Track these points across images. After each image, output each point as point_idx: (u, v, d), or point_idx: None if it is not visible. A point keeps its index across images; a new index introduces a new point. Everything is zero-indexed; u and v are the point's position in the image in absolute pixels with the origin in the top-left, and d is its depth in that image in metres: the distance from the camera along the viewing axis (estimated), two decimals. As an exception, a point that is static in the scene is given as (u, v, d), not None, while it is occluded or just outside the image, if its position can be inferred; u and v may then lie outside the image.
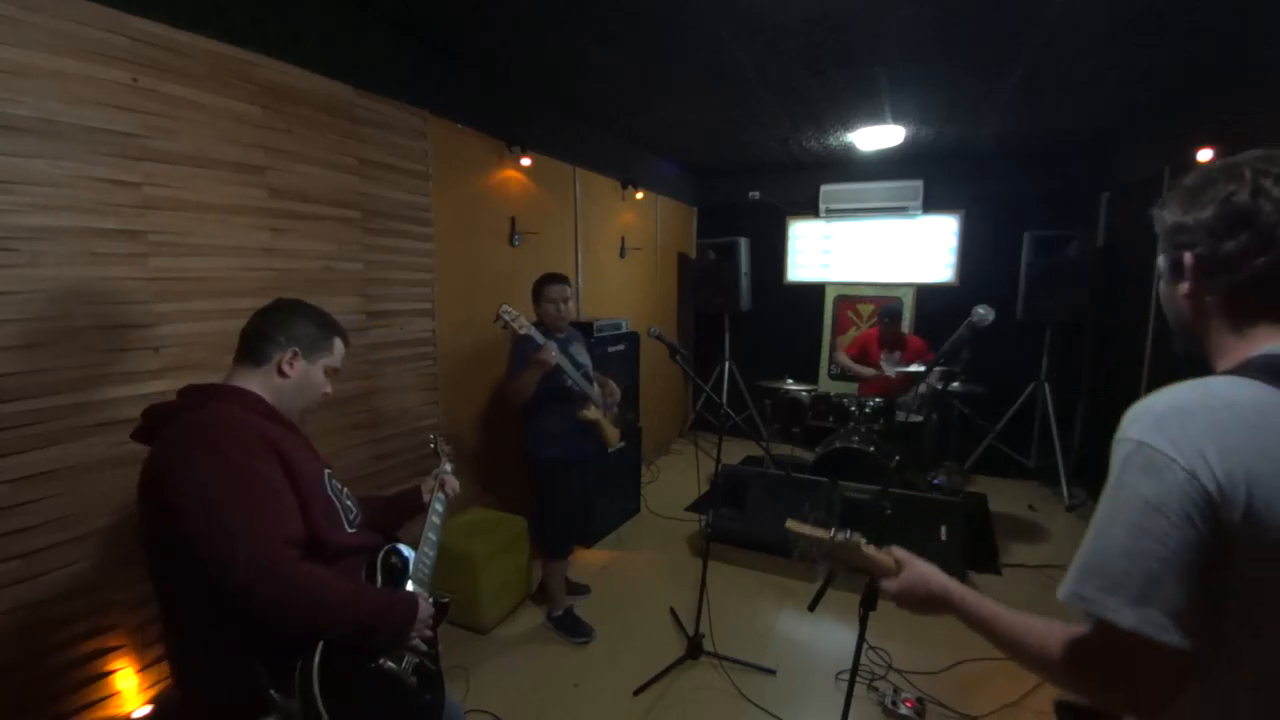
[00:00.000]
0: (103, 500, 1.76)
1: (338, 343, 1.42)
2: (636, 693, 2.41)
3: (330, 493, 1.31)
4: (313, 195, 2.35)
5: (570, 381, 2.66)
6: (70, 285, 1.68)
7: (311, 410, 1.41)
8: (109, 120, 1.74)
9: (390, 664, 1.24)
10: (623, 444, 2.95)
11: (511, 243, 3.53)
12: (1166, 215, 0.82)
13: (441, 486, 1.66)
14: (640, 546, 3.79)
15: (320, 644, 1.11)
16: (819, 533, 1.10)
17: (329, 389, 1.42)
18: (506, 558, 2.91)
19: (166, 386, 1.90)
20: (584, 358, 2.88)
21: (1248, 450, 0.65)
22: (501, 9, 2.46)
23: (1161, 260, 0.85)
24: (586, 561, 3.50)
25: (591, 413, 2.72)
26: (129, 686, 1.82)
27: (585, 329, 3.60)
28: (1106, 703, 0.73)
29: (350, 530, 1.32)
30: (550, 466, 2.75)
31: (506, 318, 2.43)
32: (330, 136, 2.41)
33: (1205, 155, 3.23)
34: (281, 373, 1.30)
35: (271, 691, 1.08)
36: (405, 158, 2.77)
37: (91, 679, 1.74)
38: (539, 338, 2.51)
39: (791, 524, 1.15)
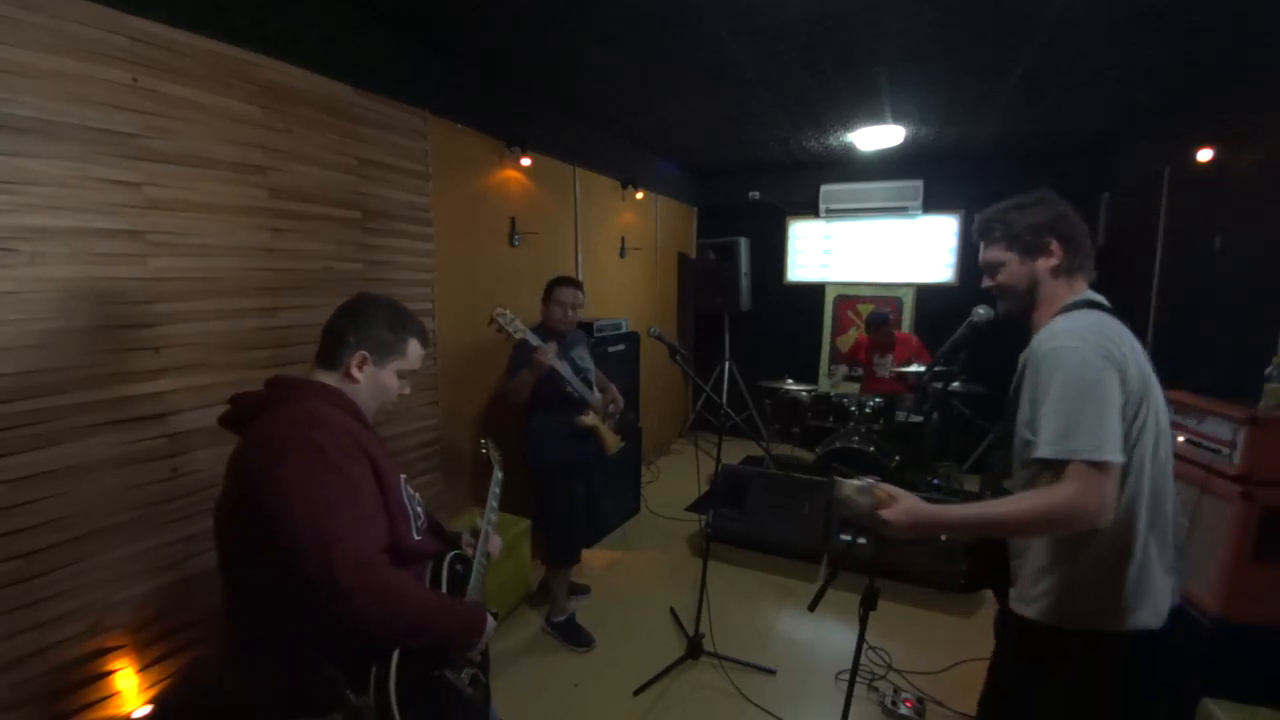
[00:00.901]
0: (103, 500, 1.76)
1: (413, 345, 1.38)
2: (636, 693, 2.42)
3: (405, 498, 1.31)
4: (313, 195, 2.35)
5: (570, 388, 2.65)
6: (70, 285, 1.68)
7: (386, 411, 1.39)
8: (109, 120, 1.74)
9: (450, 674, 1.25)
10: (623, 445, 2.94)
11: (511, 243, 3.53)
12: (1031, 216, 1.33)
13: (487, 551, 1.54)
14: (640, 546, 3.79)
15: (397, 652, 1.13)
16: (856, 481, 1.31)
17: (406, 390, 1.40)
18: (506, 558, 2.91)
19: (167, 386, 1.91)
20: (586, 361, 2.86)
21: (1110, 339, 1.15)
22: (501, 9, 2.46)
23: (1011, 249, 1.35)
24: (587, 561, 3.49)
25: (590, 419, 2.71)
26: (129, 686, 1.82)
27: (585, 329, 3.60)
28: (1084, 520, 1.08)
29: (417, 537, 1.32)
30: (550, 471, 2.74)
31: (501, 321, 2.40)
32: (330, 136, 2.41)
33: (1205, 155, 3.23)
34: (351, 377, 1.29)
35: (348, 692, 1.09)
36: (405, 158, 2.78)
37: (91, 679, 1.74)
38: (535, 341, 2.47)
39: (838, 482, 1.34)
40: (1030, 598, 1.26)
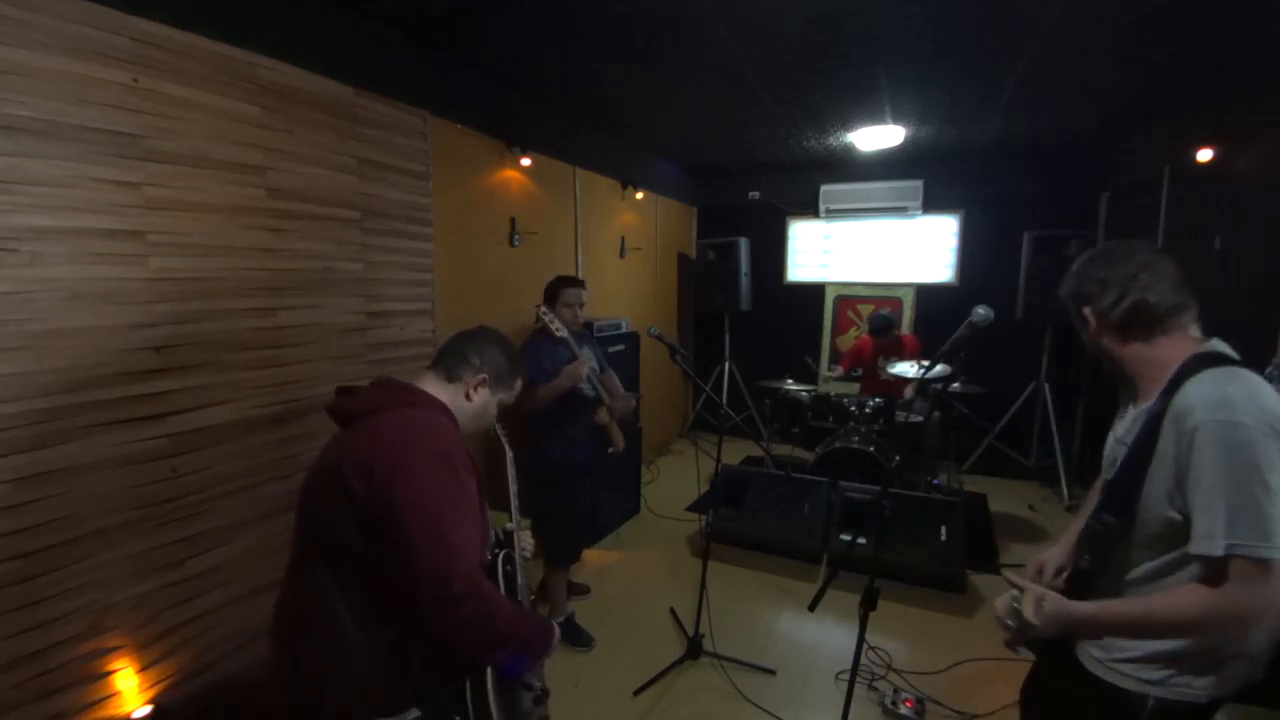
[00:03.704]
0: (103, 500, 1.76)
1: (518, 383, 1.47)
2: (637, 693, 2.42)
3: (487, 518, 1.35)
4: (312, 195, 2.35)
5: (592, 392, 2.69)
6: (70, 285, 1.68)
7: (471, 436, 1.42)
8: (109, 120, 1.74)
9: (536, 682, 1.33)
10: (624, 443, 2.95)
11: (511, 243, 3.53)
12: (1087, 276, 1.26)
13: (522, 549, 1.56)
14: (640, 547, 3.79)
15: (490, 667, 1.19)
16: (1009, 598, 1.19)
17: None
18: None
19: (167, 387, 1.90)
20: (592, 361, 2.88)
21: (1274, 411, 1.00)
22: (502, 9, 2.46)
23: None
24: (587, 561, 3.49)
25: (604, 416, 2.74)
26: (129, 686, 1.82)
27: (585, 328, 3.60)
28: (1248, 622, 0.98)
29: (489, 556, 1.36)
30: (556, 472, 2.73)
31: (545, 320, 2.54)
32: (330, 136, 2.41)
33: (1205, 155, 3.23)
34: (467, 395, 1.34)
35: (438, 689, 1.17)
36: (405, 158, 2.77)
37: (91, 679, 1.74)
38: (575, 345, 2.56)
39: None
40: (1122, 663, 1.15)
